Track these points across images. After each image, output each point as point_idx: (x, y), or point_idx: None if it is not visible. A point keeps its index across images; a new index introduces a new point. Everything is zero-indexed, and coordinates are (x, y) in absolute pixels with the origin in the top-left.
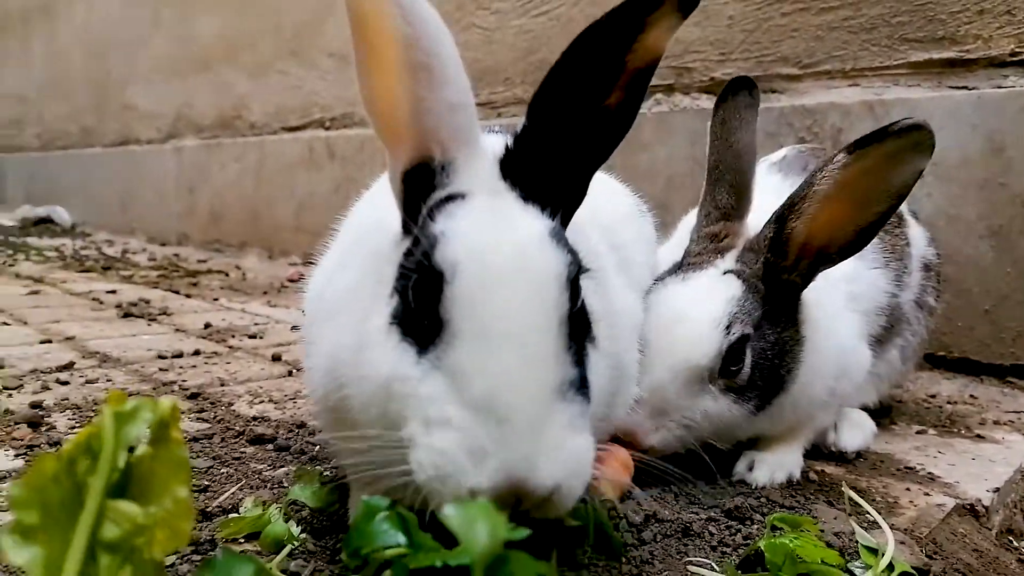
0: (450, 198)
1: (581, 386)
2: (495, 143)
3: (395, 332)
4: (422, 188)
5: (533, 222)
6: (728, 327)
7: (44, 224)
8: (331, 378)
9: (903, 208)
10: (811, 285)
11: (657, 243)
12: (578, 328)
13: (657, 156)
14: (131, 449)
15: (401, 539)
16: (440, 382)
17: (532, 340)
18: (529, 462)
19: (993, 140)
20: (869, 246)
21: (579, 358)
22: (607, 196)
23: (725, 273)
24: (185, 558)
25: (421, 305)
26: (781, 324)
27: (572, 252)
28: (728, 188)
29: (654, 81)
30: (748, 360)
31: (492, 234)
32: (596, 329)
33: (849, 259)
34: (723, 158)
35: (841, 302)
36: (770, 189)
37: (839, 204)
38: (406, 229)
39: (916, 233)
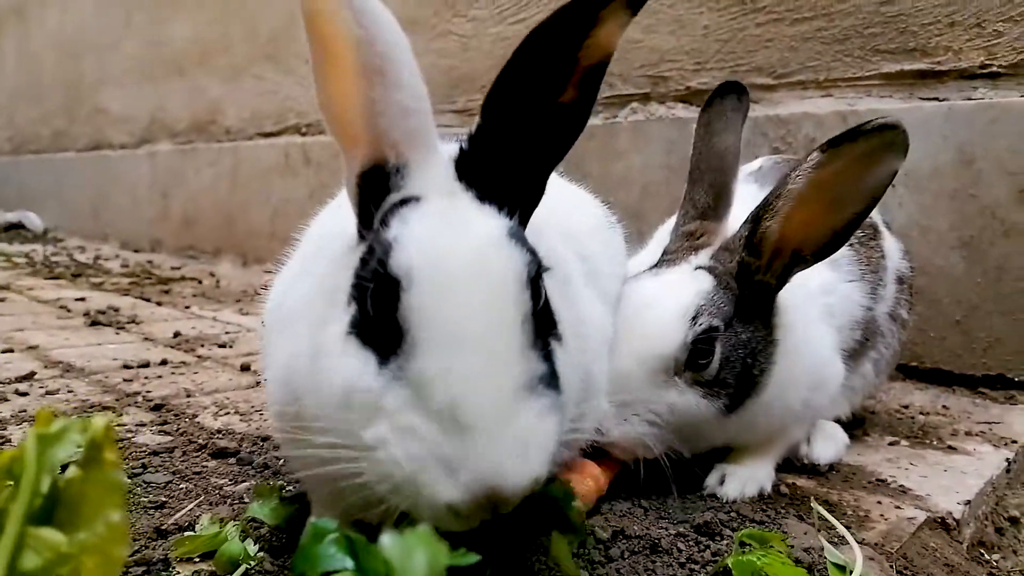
0: (404, 201)
1: (551, 381)
2: (455, 149)
3: (353, 341)
4: (377, 192)
5: (489, 222)
6: (695, 318)
7: (15, 230)
8: (287, 389)
9: (878, 219)
10: (788, 294)
11: (627, 255)
12: (543, 326)
13: (633, 164)
14: (64, 469)
15: (348, 563)
16: (403, 393)
17: (494, 342)
18: (500, 469)
19: (963, 151)
20: (845, 259)
21: (546, 354)
22: (575, 206)
23: (697, 268)
24: None
25: (379, 313)
26: (754, 324)
27: (531, 251)
28: (707, 188)
29: (630, 90)
30: (717, 355)
31: (447, 238)
32: (563, 331)
33: (826, 271)
34: (704, 158)
35: (817, 314)
36: (746, 198)
37: (814, 204)
38: (361, 234)
39: (891, 245)
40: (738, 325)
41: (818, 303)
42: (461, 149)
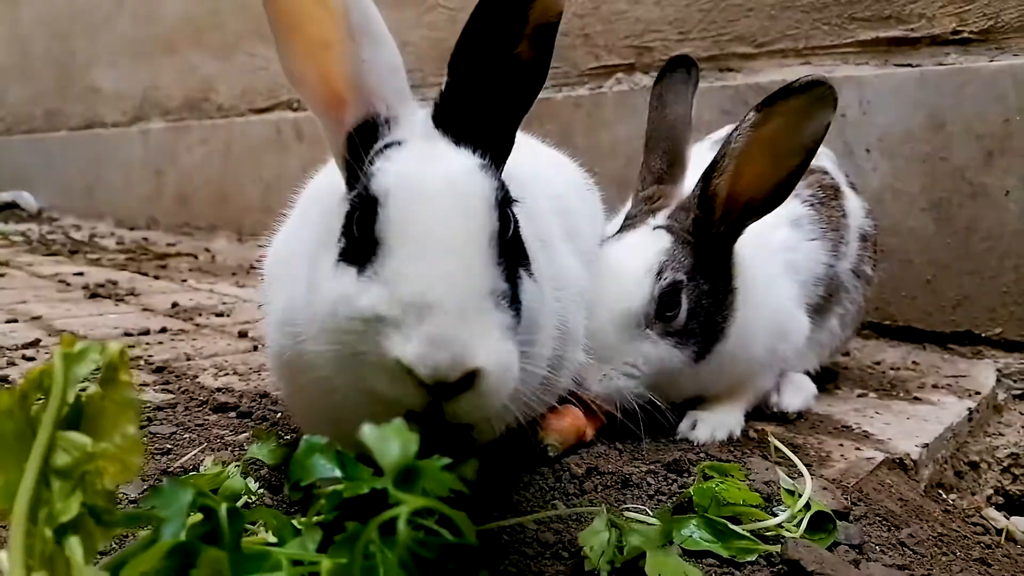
0: (387, 146)
1: (513, 301)
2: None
3: (341, 265)
4: (367, 143)
5: (462, 157)
6: (659, 273)
7: (9, 209)
8: (286, 330)
9: (840, 180)
10: (749, 250)
11: (605, 216)
12: (511, 251)
13: (618, 134)
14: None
15: (337, 472)
16: (376, 290)
17: (460, 250)
18: (453, 338)
19: (934, 116)
20: (806, 218)
21: (510, 277)
22: (556, 168)
23: (655, 229)
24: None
25: (361, 232)
26: (714, 276)
27: (501, 182)
28: (661, 155)
29: (615, 60)
30: (684, 306)
31: (422, 165)
32: (537, 272)
33: (787, 230)
34: (657, 128)
35: (779, 269)
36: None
37: (757, 159)
38: (350, 184)
39: (854, 204)
40: (700, 277)
41: (780, 259)
42: (435, 102)
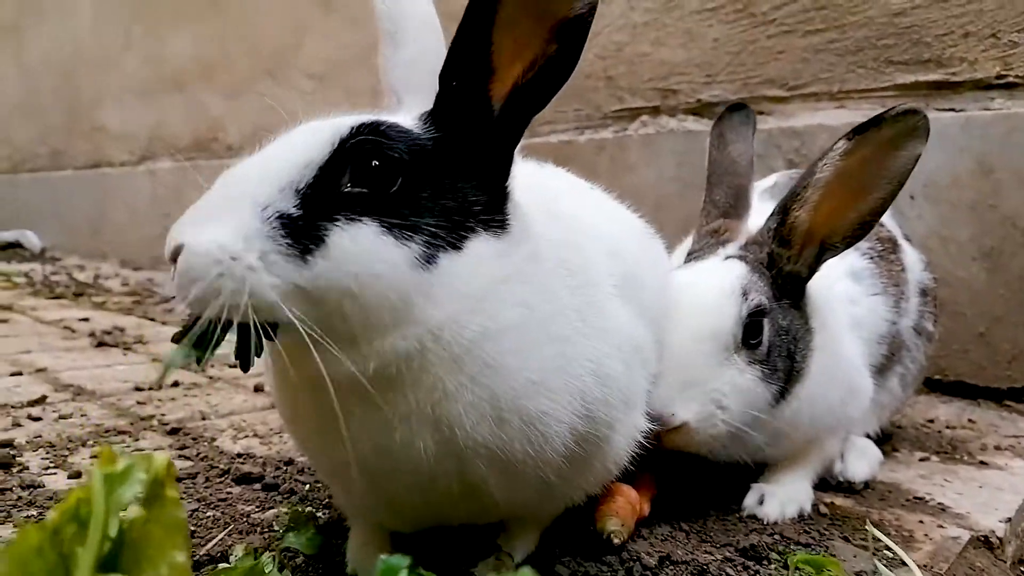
0: None
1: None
2: None
3: None
4: None
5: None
6: (744, 294)
7: (12, 249)
8: None
9: (896, 232)
10: (818, 296)
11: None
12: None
13: (643, 178)
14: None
15: None
16: None
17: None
18: (180, 227)
19: (982, 162)
20: (867, 271)
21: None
22: (614, 213)
23: (727, 258)
24: None
25: None
26: (791, 312)
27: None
28: (726, 189)
29: (639, 103)
30: (766, 333)
31: None
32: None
33: (848, 283)
34: (720, 164)
35: (846, 323)
36: (763, 214)
37: (841, 192)
38: None
39: (911, 258)
40: (777, 310)
41: (846, 312)
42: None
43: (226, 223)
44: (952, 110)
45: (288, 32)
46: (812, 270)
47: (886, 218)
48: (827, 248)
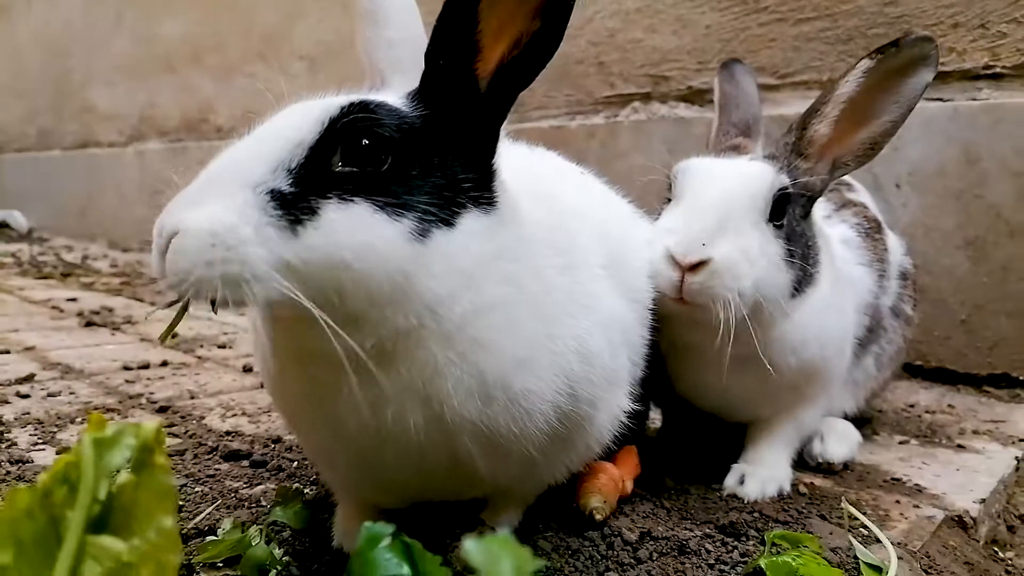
0: None
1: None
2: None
3: None
4: None
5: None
6: (777, 170)
7: None
8: None
9: (880, 216)
10: (825, 233)
11: None
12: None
13: (634, 164)
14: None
15: (405, 569)
16: None
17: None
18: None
19: (968, 151)
20: (856, 243)
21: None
22: (603, 197)
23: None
24: None
25: None
26: (803, 223)
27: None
28: (743, 114)
29: (631, 89)
30: (788, 218)
31: None
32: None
33: (840, 248)
34: (734, 94)
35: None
36: None
37: (857, 110)
38: None
39: (893, 242)
40: (793, 212)
41: (840, 268)
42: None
43: (219, 203)
44: (940, 100)
45: (280, 15)
46: (824, 185)
47: (871, 203)
48: (838, 166)
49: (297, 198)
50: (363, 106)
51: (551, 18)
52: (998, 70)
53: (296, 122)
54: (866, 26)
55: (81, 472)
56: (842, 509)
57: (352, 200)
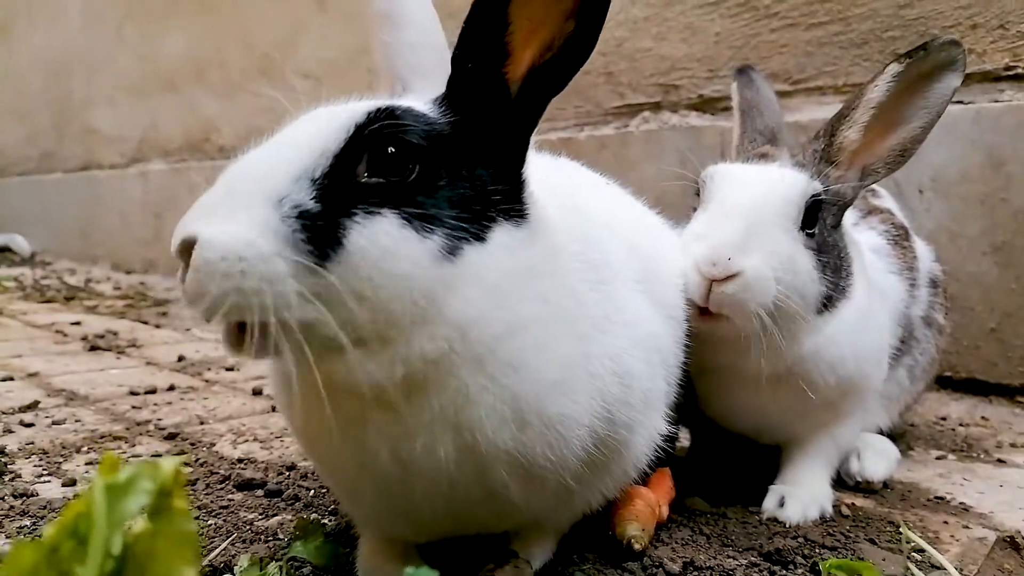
0: None
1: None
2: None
3: None
4: None
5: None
6: (809, 177)
7: (1, 253)
8: None
9: (906, 223)
10: (857, 243)
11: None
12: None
13: (645, 174)
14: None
15: None
16: None
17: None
18: (186, 220)
19: (992, 155)
20: (885, 253)
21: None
22: (631, 208)
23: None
24: None
25: None
26: (835, 233)
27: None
28: (767, 120)
29: (640, 99)
30: (819, 227)
31: None
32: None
33: (871, 256)
34: (756, 100)
35: (874, 286)
36: None
37: (887, 115)
38: None
39: (922, 248)
40: (825, 221)
41: (872, 278)
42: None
43: (242, 217)
44: (961, 102)
45: (282, 31)
46: (855, 193)
47: (896, 209)
48: (868, 173)
49: (324, 215)
50: (390, 112)
51: (586, 20)
52: (1020, 71)
53: (319, 129)
54: (881, 29)
55: (92, 523)
56: (890, 532)
57: (379, 213)
